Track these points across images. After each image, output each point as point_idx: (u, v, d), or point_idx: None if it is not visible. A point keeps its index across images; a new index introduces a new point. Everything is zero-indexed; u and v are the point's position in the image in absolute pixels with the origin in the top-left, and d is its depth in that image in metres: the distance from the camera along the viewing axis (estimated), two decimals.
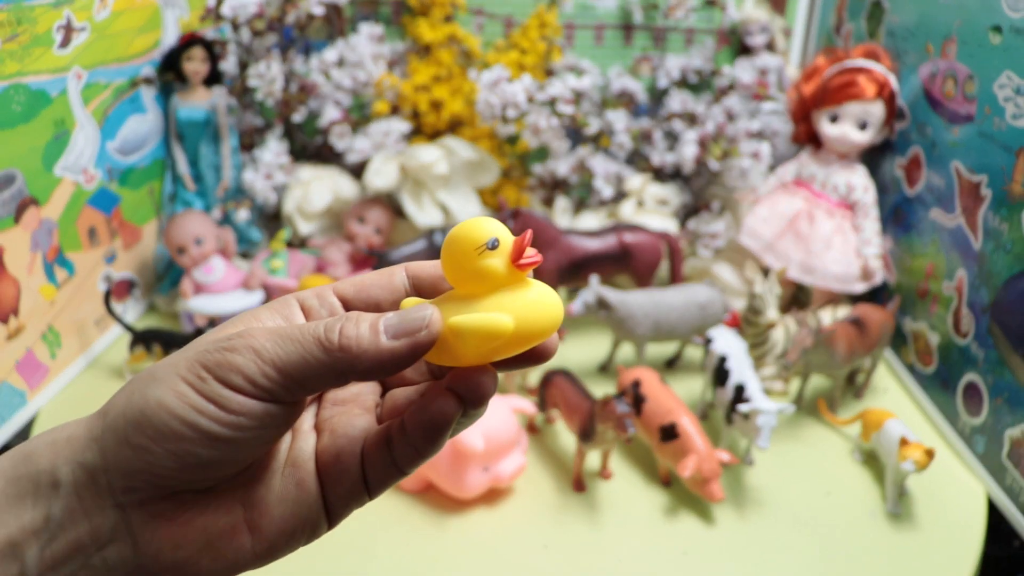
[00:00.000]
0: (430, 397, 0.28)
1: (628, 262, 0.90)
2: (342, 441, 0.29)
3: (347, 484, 0.28)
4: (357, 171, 1.03)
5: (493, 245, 0.27)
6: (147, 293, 0.94)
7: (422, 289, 0.31)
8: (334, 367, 0.26)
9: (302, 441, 0.30)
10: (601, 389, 0.81)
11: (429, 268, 0.31)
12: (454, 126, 1.02)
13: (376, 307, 0.31)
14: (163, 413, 0.25)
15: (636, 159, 1.06)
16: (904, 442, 0.67)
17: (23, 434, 0.74)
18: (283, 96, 0.98)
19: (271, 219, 1.06)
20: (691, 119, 1.02)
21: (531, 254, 0.27)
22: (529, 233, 0.27)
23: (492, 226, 0.27)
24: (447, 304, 0.28)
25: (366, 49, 0.99)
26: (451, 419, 0.27)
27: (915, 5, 0.86)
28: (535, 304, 0.27)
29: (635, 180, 1.01)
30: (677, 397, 0.71)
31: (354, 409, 0.31)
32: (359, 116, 1.03)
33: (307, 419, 0.31)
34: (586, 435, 0.67)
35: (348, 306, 0.31)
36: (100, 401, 0.27)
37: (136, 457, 0.25)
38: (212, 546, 0.27)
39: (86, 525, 0.26)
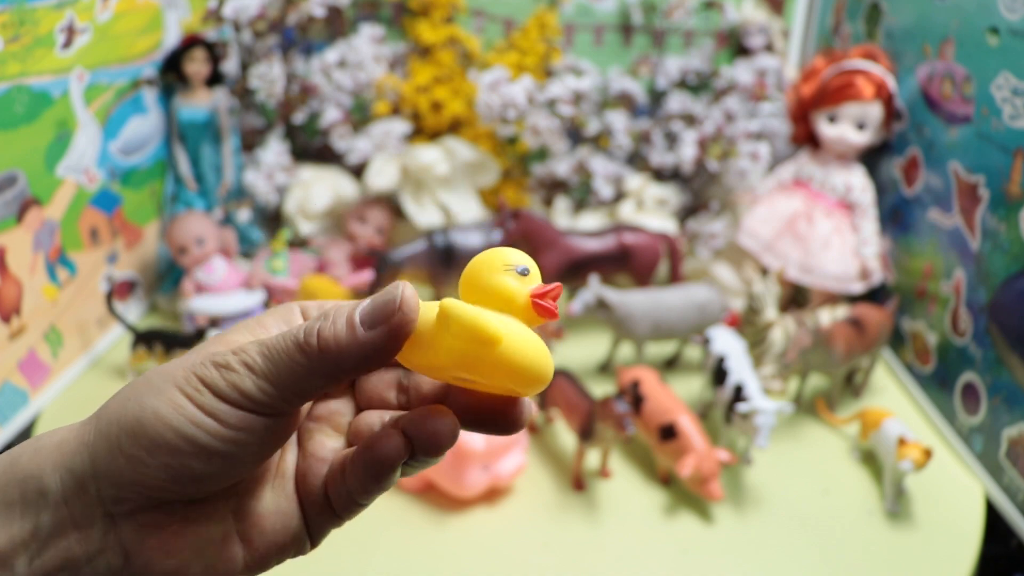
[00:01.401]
0: (379, 435, 0.27)
1: (628, 262, 0.90)
2: (311, 461, 0.29)
3: (317, 507, 0.28)
4: (358, 171, 1.03)
5: (523, 271, 0.26)
6: (149, 293, 0.95)
7: None
8: (321, 370, 0.25)
9: (289, 454, 0.29)
10: (601, 389, 0.81)
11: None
12: (454, 127, 1.02)
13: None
14: (159, 424, 0.24)
15: (635, 160, 1.06)
16: (902, 441, 0.67)
17: (25, 434, 0.75)
18: (284, 97, 0.98)
19: (272, 219, 1.06)
20: (690, 120, 1.02)
21: (551, 305, 0.26)
22: (558, 288, 0.27)
23: (529, 260, 0.27)
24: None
25: (367, 50, 0.99)
26: (393, 462, 0.26)
27: (913, 6, 0.87)
28: (532, 345, 0.25)
29: (634, 180, 1.01)
30: (676, 397, 0.72)
31: (327, 428, 0.30)
32: (360, 117, 1.03)
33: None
34: (586, 434, 0.68)
35: None
36: (102, 401, 0.27)
37: (129, 467, 0.24)
38: (203, 554, 0.26)
39: (76, 535, 0.25)
